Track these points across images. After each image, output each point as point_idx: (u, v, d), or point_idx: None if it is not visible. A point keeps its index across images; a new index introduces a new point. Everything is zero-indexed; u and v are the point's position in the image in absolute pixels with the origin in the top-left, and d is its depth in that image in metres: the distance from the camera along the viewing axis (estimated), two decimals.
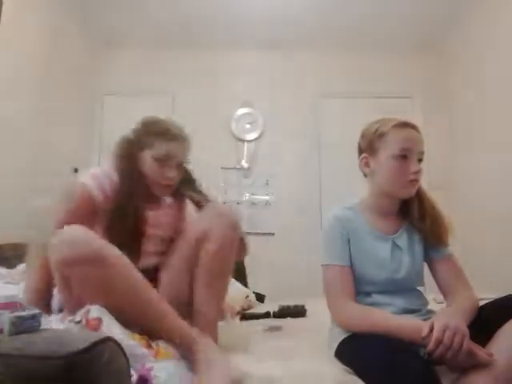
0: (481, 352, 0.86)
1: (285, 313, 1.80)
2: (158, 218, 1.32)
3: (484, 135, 2.89)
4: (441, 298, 1.20)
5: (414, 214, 1.17)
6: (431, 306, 1.19)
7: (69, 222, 1.01)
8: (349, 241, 1.14)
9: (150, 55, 3.52)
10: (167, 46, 3.49)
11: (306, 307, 1.83)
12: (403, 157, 1.11)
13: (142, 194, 1.28)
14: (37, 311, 0.76)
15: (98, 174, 1.23)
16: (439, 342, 0.86)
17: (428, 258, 1.19)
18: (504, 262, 2.53)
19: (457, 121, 3.28)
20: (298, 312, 1.80)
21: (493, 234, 2.70)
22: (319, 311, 1.72)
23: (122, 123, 3.67)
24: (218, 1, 2.94)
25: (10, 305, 0.79)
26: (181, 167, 1.33)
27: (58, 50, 2.84)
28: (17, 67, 2.35)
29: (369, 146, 1.18)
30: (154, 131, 1.28)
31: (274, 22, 3.17)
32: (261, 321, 1.72)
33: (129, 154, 1.27)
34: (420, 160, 1.14)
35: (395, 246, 1.16)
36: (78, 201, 1.20)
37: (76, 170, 3.07)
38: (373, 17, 3.11)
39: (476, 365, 0.86)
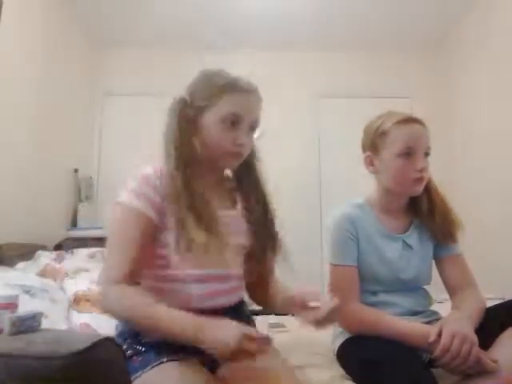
0: (487, 360, 0.84)
1: None
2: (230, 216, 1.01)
3: (484, 134, 2.89)
4: (441, 297, 1.19)
5: (422, 211, 1.13)
6: (432, 305, 1.17)
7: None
8: (357, 239, 1.10)
9: (151, 55, 3.51)
10: (168, 46, 3.48)
11: None
12: (407, 154, 1.05)
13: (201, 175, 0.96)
14: (37, 311, 0.76)
15: (136, 187, 0.88)
16: (446, 349, 0.85)
17: (436, 255, 1.15)
18: (504, 262, 2.53)
19: (456, 121, 3.27)
20: None
21: (492, 233, 2.70)
22: None
23: (122, 123, 3.68)
24: (219, 1, 2.94)
25: (10, 305, 0.79)
26: (253, 132, 1.04)
27: (58, 50, 2.83)
28: (17, 67, 2.34)
29: (371, 144, 1.13)
30: (218, 84, 0.96)
31: (275, 22, 3.17)
32: (261, 317, 1.71)
33: (186, 118, 0.97)
34: (427, 154, 1.09)
35: (405, 245, 1.12)
36: (136, 230, 0.85)
37: (76, 170, 3.07)
38: (373, 17, 3.11)
39: (481, 371, 0.84)
